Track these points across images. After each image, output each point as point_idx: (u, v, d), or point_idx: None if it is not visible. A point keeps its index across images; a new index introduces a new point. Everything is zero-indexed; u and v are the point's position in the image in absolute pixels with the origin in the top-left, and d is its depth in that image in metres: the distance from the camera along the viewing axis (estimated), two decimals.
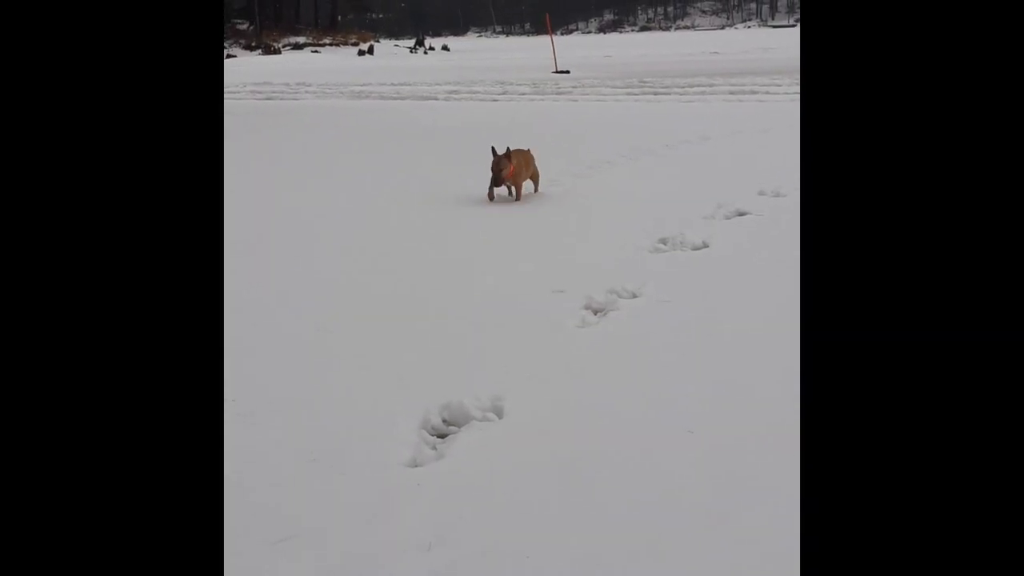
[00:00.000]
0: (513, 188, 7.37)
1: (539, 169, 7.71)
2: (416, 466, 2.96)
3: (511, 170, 7.17)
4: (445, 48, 54.72)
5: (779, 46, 34.97)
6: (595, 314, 4.45)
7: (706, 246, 5.61)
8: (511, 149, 7.27)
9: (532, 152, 7.64)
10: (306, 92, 21.85)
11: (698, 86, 18.08)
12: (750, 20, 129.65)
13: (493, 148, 7.20)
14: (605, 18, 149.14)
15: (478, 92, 19.52)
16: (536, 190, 7.64)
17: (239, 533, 2.57)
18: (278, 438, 3.15)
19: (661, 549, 2.44)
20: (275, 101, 19.81)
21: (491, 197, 7.28)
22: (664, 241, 5.75)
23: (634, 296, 4.67)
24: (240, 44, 56.12)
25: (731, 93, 16.11)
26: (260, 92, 22.39)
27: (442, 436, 3.21)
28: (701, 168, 8.49)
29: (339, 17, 65.49)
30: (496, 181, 7.15)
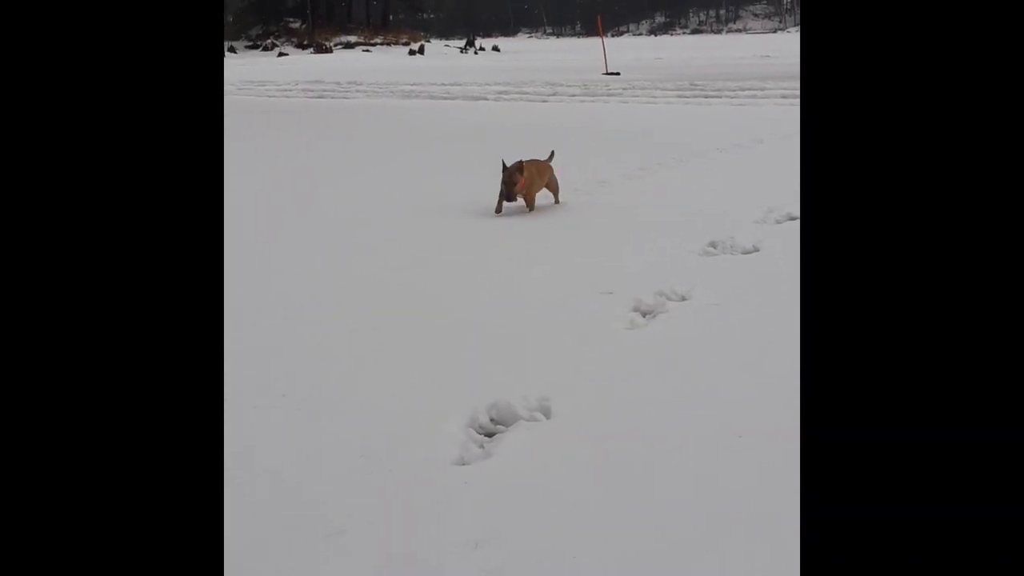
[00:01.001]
0: (525, 199, 6.97)
1: (557, 179, 7.34)
2: (464, 464, 2.96)
3: (523, 183, 6.80)
4: (495, 49, 54.84)
5: None
6: (644, 316, 4.43)
7: (756, 250, 5.58)
8: (525, 161, 6.94)
9: (550, 163, 7.34)
10: (357, 91, 21.98)
11: (749, 89, 17.96)
12: None
13: (503, 161, 6.83)
14: (656, 20, 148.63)
15: (528, 93, 19.53)
16: (557, 200, 7.31)
17: (290, 527, 2.59)
18: (328, 435, 3.17)
19: (711, 552, 2.43)
20: (326, 100, 19.96)
21: (499, 209, 6.92)
22: (714, 244, 5.73)
23: (683, 299, 4.65)
24: (292, 43, 56.69)
25: (783, 97, 15.98)
26: (312, 90, 22.56)
27: (490, 435, 3.22)
28: (752, 172, 8.44)
29: (391, 16, 65.82)
30: (509, 196, 6.77)
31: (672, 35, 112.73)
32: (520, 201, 6.98)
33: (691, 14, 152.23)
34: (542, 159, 7.34)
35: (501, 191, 6.82)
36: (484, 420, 3.31)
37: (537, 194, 7.11)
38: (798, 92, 16.46)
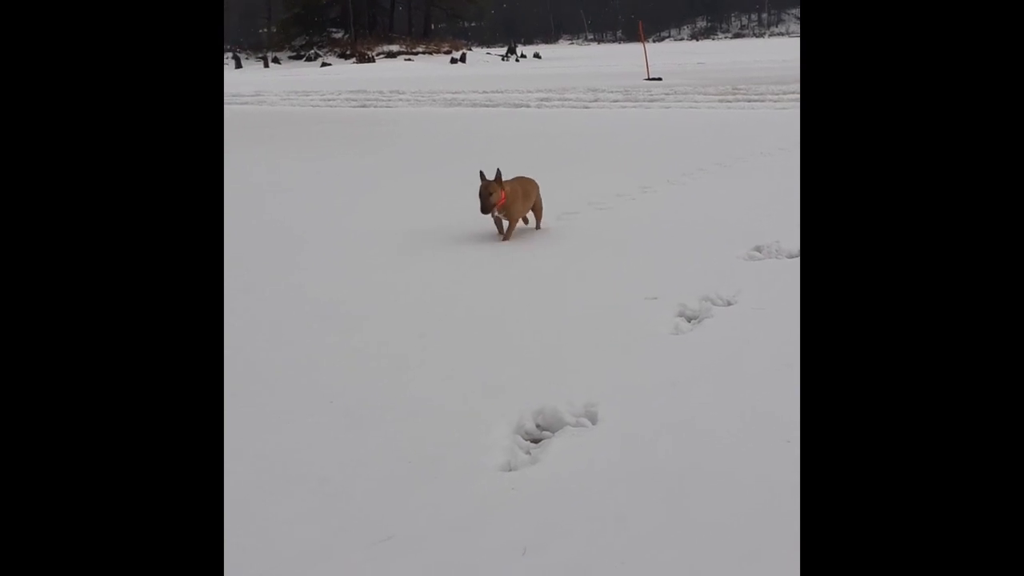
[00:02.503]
0: (504, 221, 6.32)
1: (543, 200, 6.68)
2: (510, 470, 2.96)
3: (502, 198, 6.10)
4: (537, 56, 54.92)
5: None
6: (689, 321, 4.41)
7: None
8: (511, 179, 6.35)
9: (536, 181, 6.63)
10: (400, 100, 22.09)
11: (793, 93, 17.83)
12: None
13: (481, 172, 6.19)
14: (698, 25, 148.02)
15: (570, 100, 19.53)
16: (539, 226, 6.66)
17: (338, 533, 2.60)
18: (375, 442, 3.18)
19: (758, 559, 2.40)
20: (370, 109, 20.07)
21: (500, 230, 6.38)
22: (759, 249, 5.68)
23: (729, 304, 4.62)
24: (335, 53, 57.10)
25: None
26: (355, 100, 22.71)
27: (536, 441, 3.21)
28: (796, 175, 8.36)
29: (432, 26, 66.06)
30: (484, 209, 6.06)
31: (714, 39, 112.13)
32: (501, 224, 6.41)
33: (732, 18, 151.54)
34: (530, 176, 6.72)
35: (479, 207, 6.16)
36: (530, 426, 3.30)
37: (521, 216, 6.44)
38: None
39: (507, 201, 6.17)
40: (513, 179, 6.39)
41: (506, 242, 6.23)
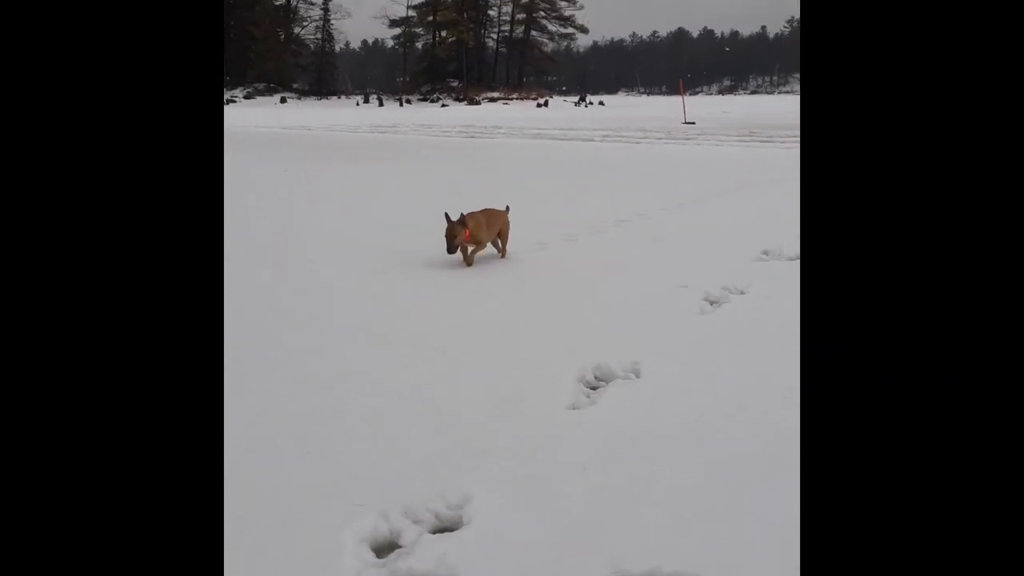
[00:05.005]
0: (471, 247, 5.34)
1: (509, 230, 5.66)
2: (575, 409, 2.96)
3: (467, 236, 5.21)
4: (601, 103, 54.37)
5: None
6: (711, 304, 4.35)
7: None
8: (479, 211, 5.45)
9: (502, 211, 5.65)
10: (498, 133, 22.09)
11: (794, 136, 17.43)
12: None
13: (447, 215, 5.21)
14: (724, 83, 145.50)
15: (625, 136, 19.35)
16: (503, 254, 5.61)
17: (446, 446, 2.62)
18: (475, 382, 3.20)
19: (763, 481, 2.37)
20: (476, 139, 20.09)
21: (466, 261, 5.35)
22: (767, 252, 5.58)
23: (742, 293, 4.55)
24: (451, 96, 57.27)
25: None
26: (465, 132, 22.77)
27: (594, 388, 3.20)
28: (796, 197, 8.17)
29: (524, 78, 65.81)
30: (449, 249, 5.14)
31: (736, 95, 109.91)
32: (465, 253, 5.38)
33: (751, 79, 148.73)
34: (499, 208, 5.72)
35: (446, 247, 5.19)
36: (590, 377, 3.29)
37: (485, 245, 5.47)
38: None
39: (473, 232, 5.27)
40: (479, 211, 5.47)
41: (465, 266, 5.29)
